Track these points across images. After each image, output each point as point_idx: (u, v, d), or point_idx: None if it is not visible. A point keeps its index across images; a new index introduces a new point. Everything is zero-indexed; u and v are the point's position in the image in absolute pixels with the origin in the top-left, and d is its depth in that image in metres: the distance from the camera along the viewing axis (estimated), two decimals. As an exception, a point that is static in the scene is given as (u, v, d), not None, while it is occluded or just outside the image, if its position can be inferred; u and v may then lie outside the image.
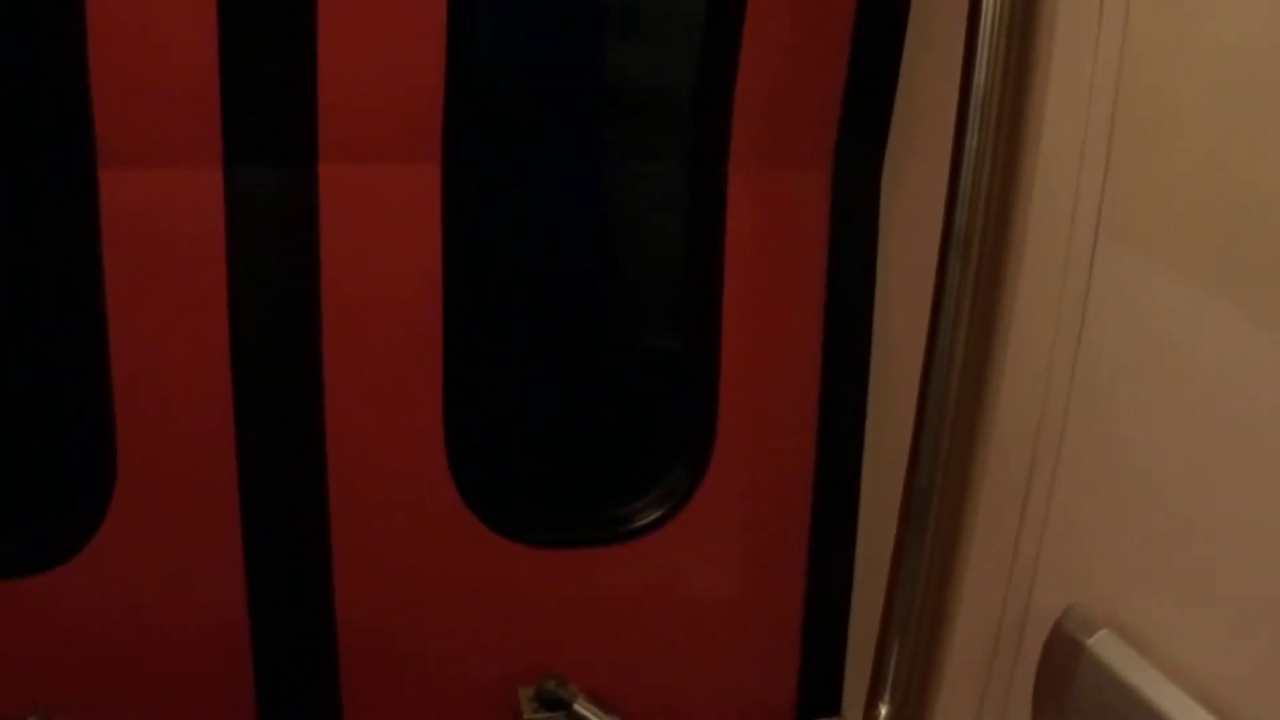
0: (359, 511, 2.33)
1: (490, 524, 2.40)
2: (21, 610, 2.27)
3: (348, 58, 2.08)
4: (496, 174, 2.46)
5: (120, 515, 2.24)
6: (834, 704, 2.68)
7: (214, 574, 2.32)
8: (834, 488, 2.52)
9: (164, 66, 2.04)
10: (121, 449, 2.20)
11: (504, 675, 2.51)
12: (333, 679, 2.43)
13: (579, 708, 2.41)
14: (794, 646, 2.64)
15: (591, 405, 2.66)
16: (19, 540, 2.31)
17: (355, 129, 2.13)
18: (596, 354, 2.66)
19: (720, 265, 2.34)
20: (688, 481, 2.46)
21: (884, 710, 2.21)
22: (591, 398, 2.66)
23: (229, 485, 2.27)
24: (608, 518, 2.52)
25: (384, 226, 2.21)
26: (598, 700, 2.42)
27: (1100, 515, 1.82)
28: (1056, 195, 1.83)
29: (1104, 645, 1.71)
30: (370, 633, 2.42)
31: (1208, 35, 1.57)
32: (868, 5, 2.24)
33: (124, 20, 1.99)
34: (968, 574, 2.13)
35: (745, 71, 2.24)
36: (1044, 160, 1.87)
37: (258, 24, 2.06)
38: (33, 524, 2.34)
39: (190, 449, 2.25)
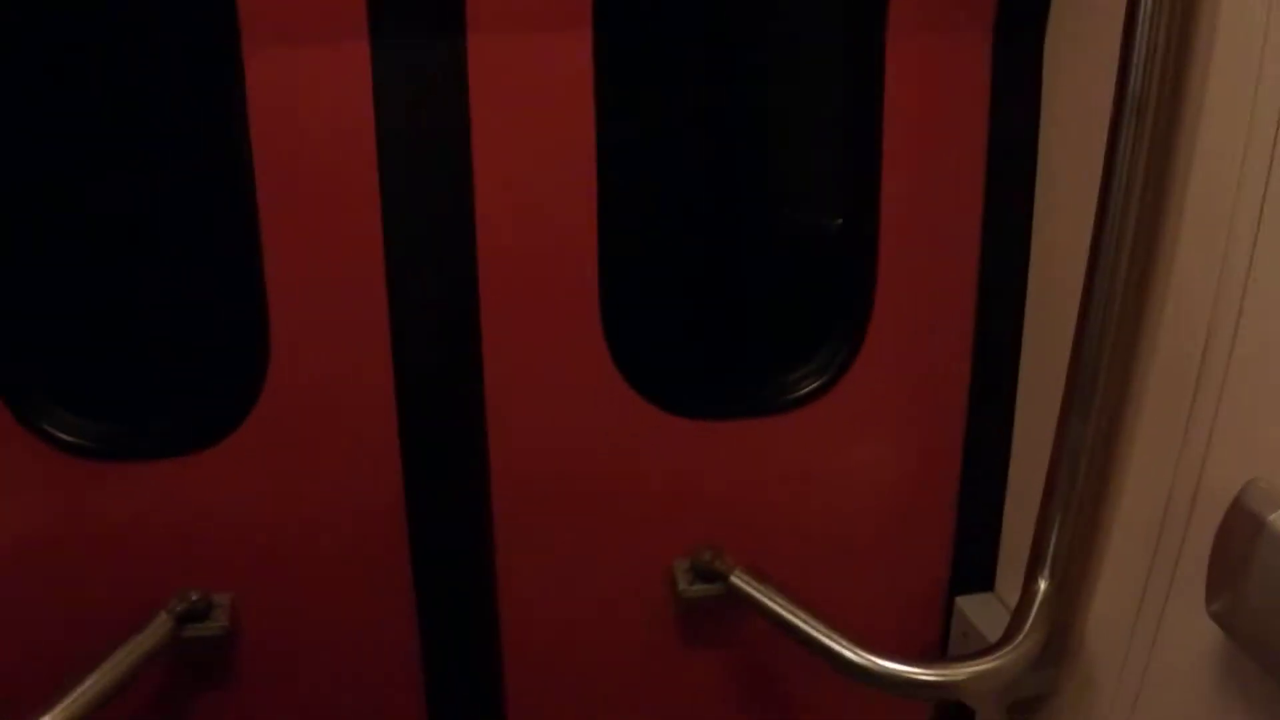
0: (515, 389, 2.36)
1: (647, 396, 2.41)
2: (178, 490, 2.36)
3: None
4: (651, 43, 2.43)
5: (274, 397, 2.31)
6: (987, 580, 2.69)
7: (369, 458, 2.37)
8: (993, 359, 2.49)
9: None
10: (274, 328, 2.25)
11: (659, 548, 2.55)
12: (488, 555, 2.49)
13: (735, 579, 2.43)
14: (949, 520, 2.63)
15: (749, 277, 2.64)
16: (176, 420, 2.39)
17: None
18: (754, 225, 2.62)
19: (879, 134, 2.30)
20: (846, 353, 2.45)
21: (1042, 586, 2.21)
22: (749, 269, 2.64)
23: (383, 367, 2.31)
24: (765, 390, 2.51)
25: (536, 98, 2.20)
26: (753, 572, 2.44)
27: (1283, 385, 1.76)
28: (1241, 54, 1.77)
29: (1288, 521, 1.66)
30: (526, 508, 2.46)
31: None
32: None
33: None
34: (1135, 449, 2.12)
35: None
36: (1225, 18, 1.80)
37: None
38: (189, 405, 2.42)
39: (343, 327, 2.29)
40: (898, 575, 2.68)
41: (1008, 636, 2.22)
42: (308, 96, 2.14)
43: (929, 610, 2.71)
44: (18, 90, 2.25)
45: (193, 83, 2.33)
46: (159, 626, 2.33)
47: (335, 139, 2.16)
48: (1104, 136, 1.93)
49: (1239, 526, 1.72)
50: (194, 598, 2.38)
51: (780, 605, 2.35)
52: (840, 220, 2.49)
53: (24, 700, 2.08)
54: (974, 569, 2.67)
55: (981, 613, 2.61)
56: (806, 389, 2.48)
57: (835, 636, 2.25)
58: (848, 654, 2.22)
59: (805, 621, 2.29)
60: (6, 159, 2.25)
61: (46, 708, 2.08)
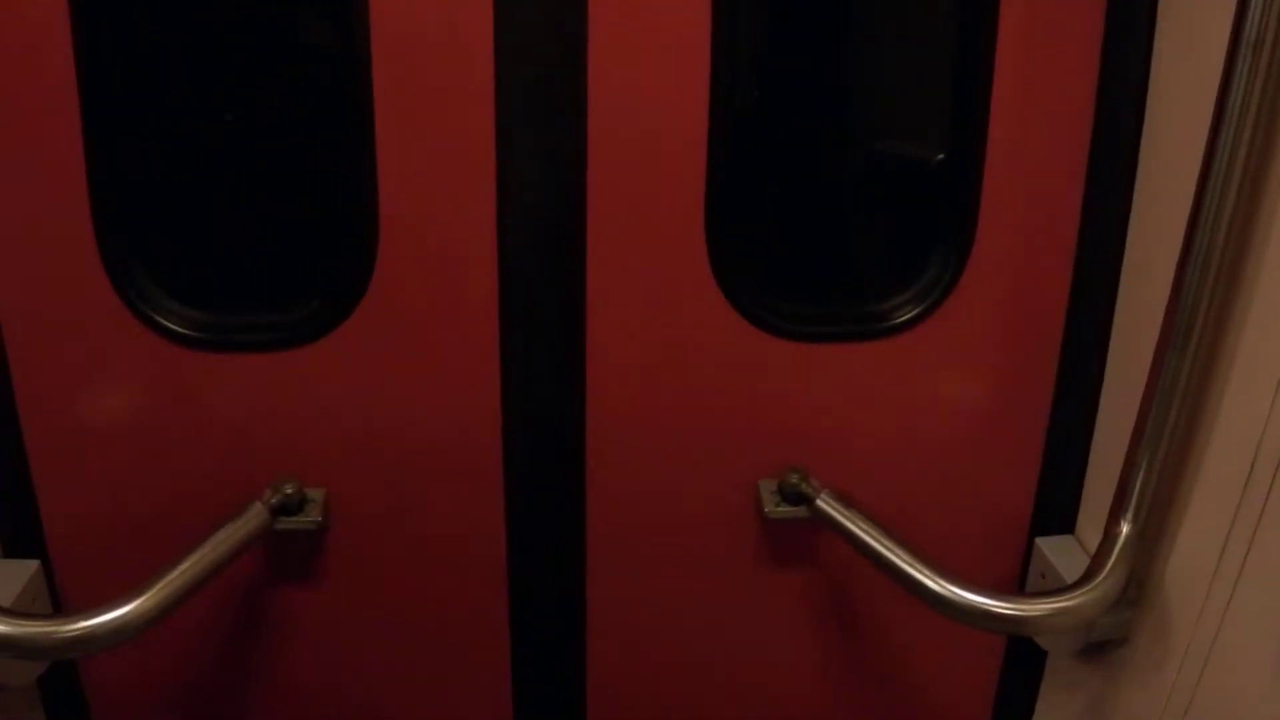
0: (615, 299, 2.42)
1: (747, 315, 2.46)
2: (280, 383, 2.46)
3: None
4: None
5: (379, 295, 2.39)
6: (1069, 521, 2.71)
7: (469, 362, 2.45)
8: (1091, 296, 2.50)
9: None
10: (384, 225, 2.33)
11: (747, 468, 2.60)
12: (579, 454, 2.56)
13: (821, 502, 2.49)
14: (1035, 458, 2.65)
15: (854, 203, 2.65)
16: (282, 313, 2.48)
17: None
18: (861, 153, 2.63)
19: (990, 70, 2.32)
20: (945, 282, 2.49)
21: (1125, 529, 2.25)
22: (854, 195, 2.65)
23: (488, 272, 2.38)
24: (862, 315, 2.56)
25: (652, 18, 2.25)
26: (839, 496, 2.50)
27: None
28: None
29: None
30: (619, 419, 2.53)
31: None
32: None
33: None
34: (1227, 394, 2.12)
35: None
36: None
37: None
38: (296, 298, 2.49)
39: (450, 228, 2.36)
40: (980, 511, 2.72)
41: (1087, 577, 2.26)
42: (427, 14, 2.21)
43: (1008, 548, 2.74)
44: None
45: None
46: (254, 516, 2.43)
47: (453, 31, 2.22)
48: (1217, 77, 1.93)
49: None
50: (289, 490, 2.48)
51: (864, 530, 2.39)
52: (946, 153, 2.50)
53: (122, 580, 2.18)
54: (1056, 510, 2.70)
55: (1061, 554, 2.63)
56: (903, 316, 2.52)
57: (917, 564, 2.29)
58: (928, 582, 2.26)
59: (888, 548, 2.33)
60: (132, 53, 2.32)
61: (141, 589, 2.17)
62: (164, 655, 2.71)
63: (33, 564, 2.52)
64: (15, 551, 2.54)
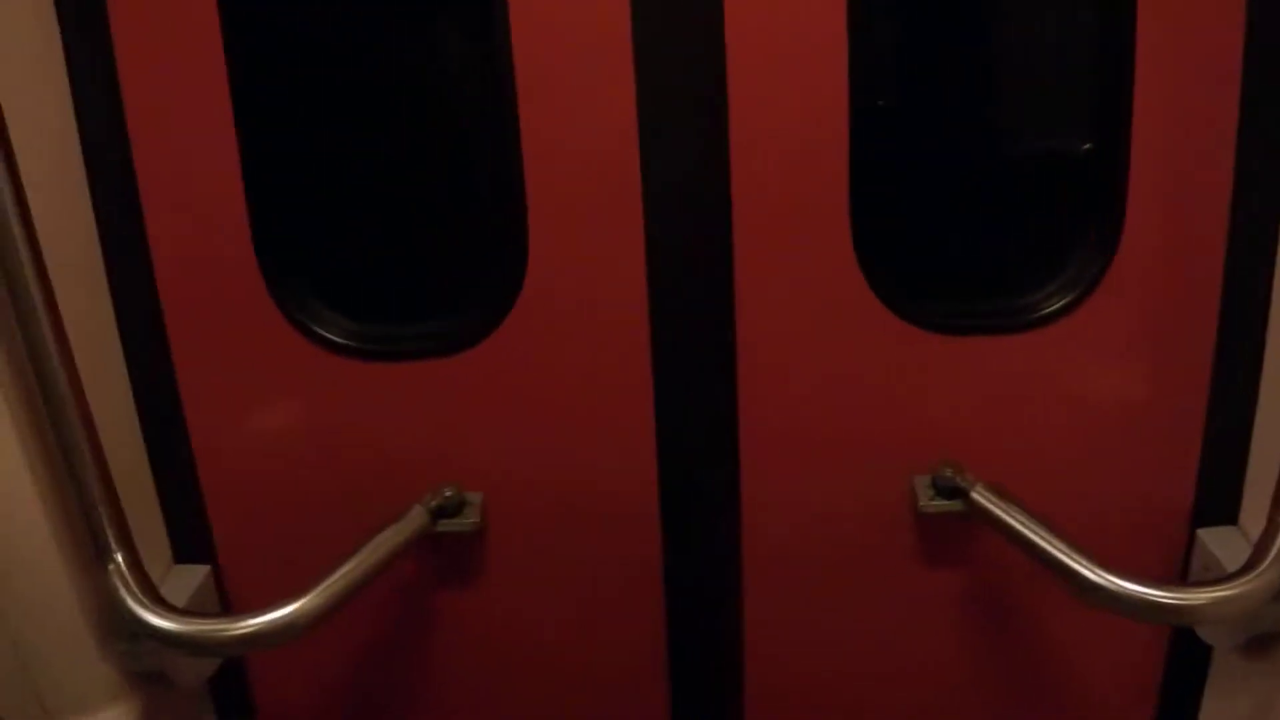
0: (765, 295, 2.44)
1: (895, 310, 2.49)
2: (436, 390, 2.52)
3: None
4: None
5: (530, 303, 2.45)
6: (1231, 512, 2.66)
7: (619, 366, 2.50)
8: (1244, 286, 2.46)
9: None
10: (533, 235, 2.38)
11: (902, 462, 2.61)
12: (733, 455, 2.58)
13: (976, 495, 2.48)
14: (1194, 450, 2.61)
15: (1000, 194, 2.62)
16: (437, 322, 2.56)
17: None
18: (1005, 144, 2.63)
19: (1132, 52, 2.30)
20: (1094, 271, 2.47)
21: (1289, 521, 2.18)
22: (1000, 187, 2.62)
23: (637, 279, 2.43)
24: (1013, 306, 2.54)
25: (790, 13, 2.28)
26: (995, 489, 2.48)
27: None
28: None
29: None
30: (771, 414, 2.55)
31: None
32: None
33: None
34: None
35: None
36: None
37: None
38: (450, 308, 2.58)
39: (598, 238, 2.40)
40: (1138, 503, 2.68)
41: (1249, 565, 2.22)
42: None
43: (1169, 541, 2.70)
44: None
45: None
46: (414, 518, 2.51)
47: (593, 40, 2.28)
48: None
49: None
50: (448, 494, 2.56)
51: (1021, 522, 2.38)
52: (1092, 142, 2.49)
53: (288, 584, 2.28)
54: (1218, 500, 2.65)
55: (1225, 545, 2.58)
56: (1052, 307, 2.49)
57: (1074, 554, 2.26)
58: (1086, 572, 2.23)
59: (1046, 539, 2.31)
60: (287, 75, 2.45)
61: (307, 590, 2.27)
62: (328, 656, 2.81)
63: (203, 569, 2.64)
64: (186, 557, 2.66)
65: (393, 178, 2.56)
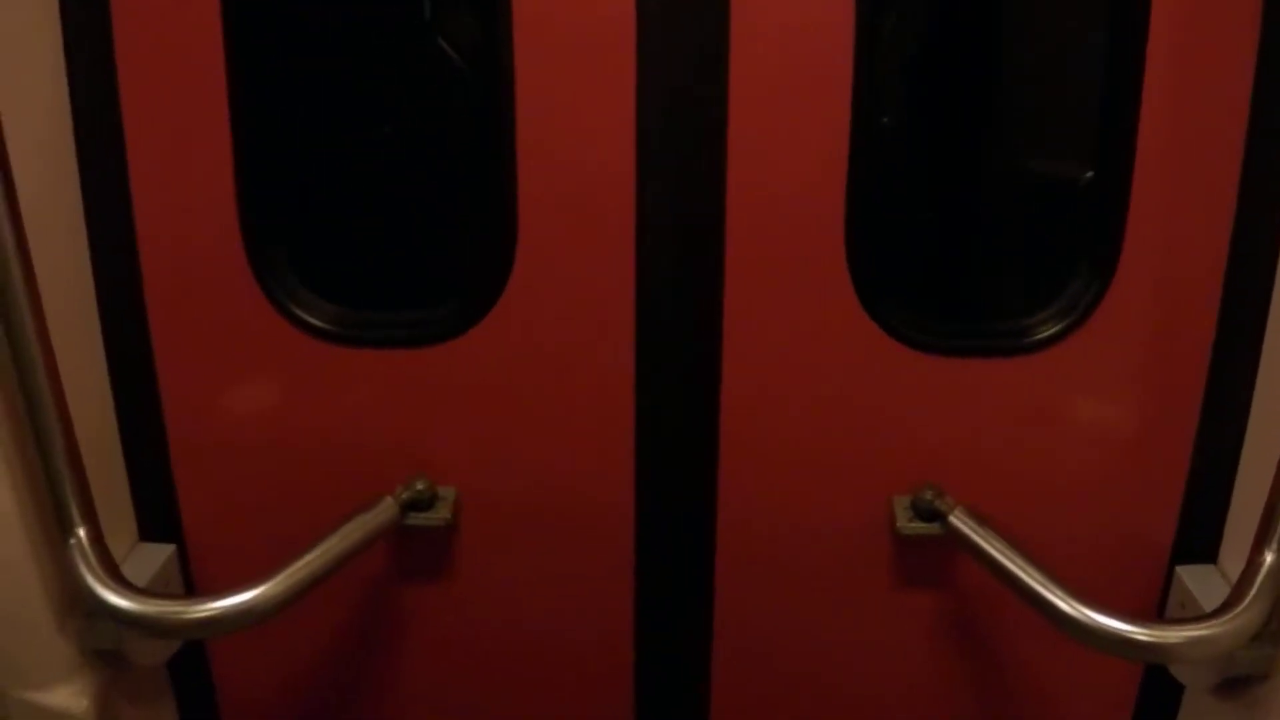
0: (754, 305, 2.42)
1: (885, 328, 2.47)
2: (417, 379, 2.50)
3: None
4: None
5: (517, 296, 2.42)
6: (1211, 550, 2.64)
7: (604, 366, 2.48)
8: (1241, 318, 2.45)
9: None
10: (523, 224, 2.36)
11: (882, 482, 2.59)
12: (711, 462, 2.56)
13: (955, 520, 2.47)
14: (1178, 483, 2.60)
15: (997, 217, 2.65)
16: (421, 310, 2.53)
17: None
18: (1006, 168, 2.64)
19: (1139, 80, 2.28)
20: (1089, 298, 2.45)
21: (1269, 559, 2.19)
22: (998, 210, 2.64)
23: (625, 277, 2.41)
24: (1005, 329, 2.53)
25: (795, 28, 2.27)
26: (974, 514, 2.47)
27: None
28: None
29: None
30: (753, 424, 2.53)
31: None
32: None
33: None
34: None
35: None
36: None
37: None
38: (435, 296, 2.55)
39: (588, 230, 2.39)
40: (1119, 536, 2.67)
41: (1227, 606, 2.20)
42: None
43: (1148, 576, 2.68)
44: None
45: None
46: (384, 510, 2.48)
47: (595, 32, 2.26)
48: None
49: None
50: (420, 486, 2.54)
51: (998, 550, 2.36)
52: (1093, 169, 2.47)
53: (254, 568, 2.26)
54: (1199, 538, 2.63)
55: (1203, 584, 2.57)
56: (1046, 333, 2.48)
57: (1051, 586, 2.25)
58: (1062, 605, 2.22)
59: (1022, 568, 2.30)
60: (280, 55, 2.43)
61: (270, 576, 2.24)
62: (290, 643, 2.79)
63: (168, 549, 2.62)
64: (152, 536, 2.63)
65: (382, 163, 2.56)
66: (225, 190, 2.36)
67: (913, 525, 2.54)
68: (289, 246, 2.48)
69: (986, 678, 2.83)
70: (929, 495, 2.52)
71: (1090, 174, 2.47)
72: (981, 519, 2.44)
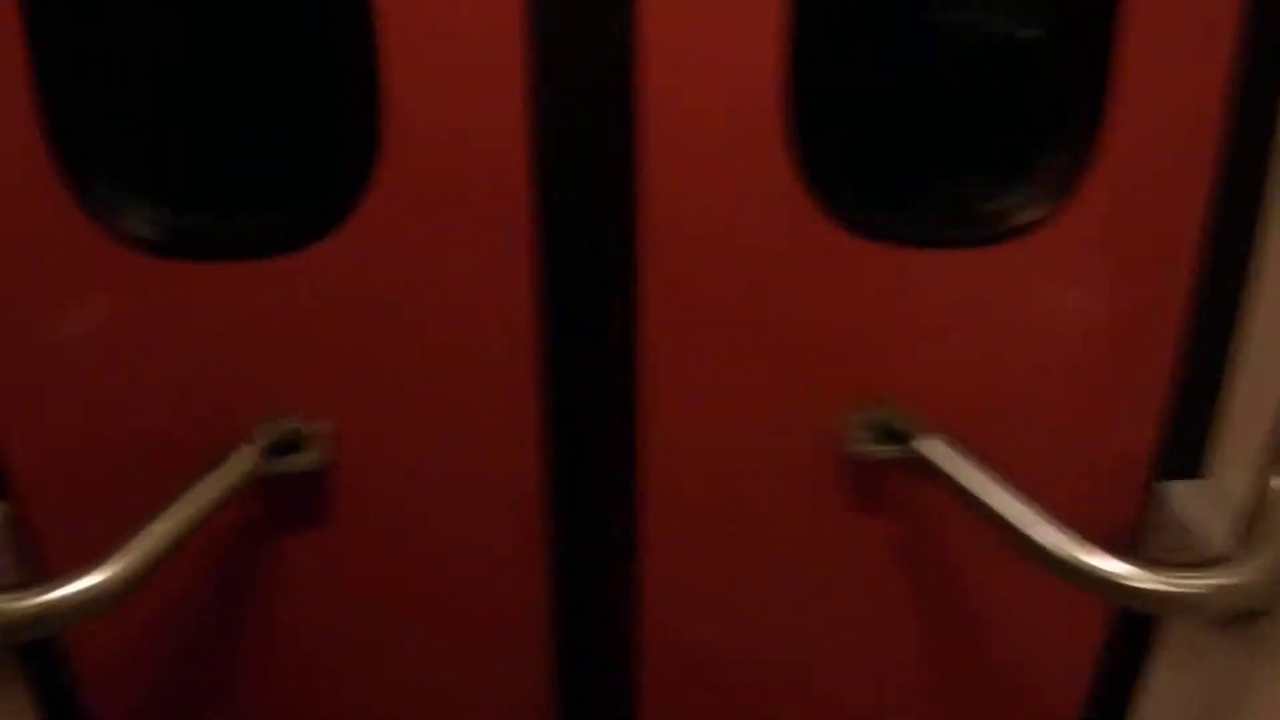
0: (675, 186, 2.22)
1: (831, 214, 2.27)
2: (269, 297, 2.30)
3: None
4: None
5: (386, 186, 2.20)
6: (1195, 464, 2.51)
7: (498, 259, 2.26)
8: (1237, 200, 2.28)
9: None
10: (389, 111, 2.14)
11: (832, 396, 2.42)
12: (629, 381, 2.38)
13: (921, 445, 2.29)
14: (1161, 391, 2.45)
15: (959, 88, 2.48)
16: (272, 217, 2.31)
17: None
18: (969, 26, 2.48)
19: None
20: (1066, 179, 2.28)
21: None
22: (960, 77, 2.48)
23: (518, 157, 2.17)
24: (971, 215, 2.37)
25: None
26: (944, 438, 2.29)
27: None
28: None
29: None
30: (680, 333, 2.35)
31: None
32: None
33: None
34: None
35: None
36: None
37: None
38: (287, 201, 2.32)
39: (471, 115, 2.15)
40: (1096, 447, 2.53)
41: (1246, 543, 1.99)
42: None
43: (1127, 492, 2.55)
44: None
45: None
46: (241, 461, 2.26)
47: None
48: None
49: None
50: (284, 426, 2.34)
51: (977, 483, 2.19)
52: (1067, 30, 2.31)
53: (85, 542, 1.99)
54: (1185, 451, 2.50)
55: (1187, 502, 2.43)
56: (1017, 219, 2.31)
57: (1044, 525, 2.06)
58: (1057, 551, 2.03)
59: (1006, 505, 2.12)
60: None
61: (108, 554, 1.99)
62: (151, 615, 2.56)
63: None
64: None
65: (210, 35, 2.33)
66: (18, 70, 2.09)
67: (869, 448, 2.39)
68: (105, 141, 2.22)
69: (946, 611, 2.71)
70: (888, 414, 2.37)
71: (1067, 39, 2.32)
72: (951, 441, 2.29)
